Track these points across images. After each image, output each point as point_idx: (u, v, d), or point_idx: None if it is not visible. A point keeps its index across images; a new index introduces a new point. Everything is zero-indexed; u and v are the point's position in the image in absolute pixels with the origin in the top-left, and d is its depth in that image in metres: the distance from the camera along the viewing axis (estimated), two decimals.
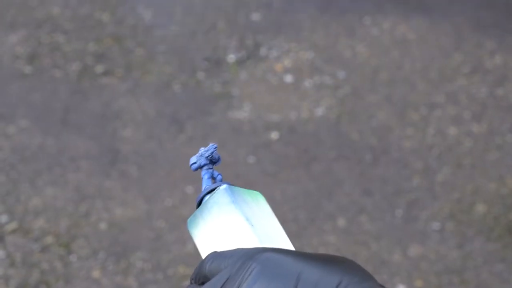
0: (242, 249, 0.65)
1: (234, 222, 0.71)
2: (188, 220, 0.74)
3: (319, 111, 2.94)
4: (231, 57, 3.20)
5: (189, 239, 2.55)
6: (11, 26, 3.37)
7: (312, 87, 3.06)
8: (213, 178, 0.77)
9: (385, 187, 2.66)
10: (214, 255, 0.67)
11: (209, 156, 0.76)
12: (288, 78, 3.11)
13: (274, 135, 2.84)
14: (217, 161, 0.77)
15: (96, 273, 2.41)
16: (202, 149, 0.78)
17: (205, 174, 0.76)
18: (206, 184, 0.76)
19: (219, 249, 0.71)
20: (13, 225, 2.55)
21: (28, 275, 2.39)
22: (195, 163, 0.76)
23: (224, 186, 0.72)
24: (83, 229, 2.55)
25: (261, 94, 3.02)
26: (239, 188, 0.73)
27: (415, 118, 2.93)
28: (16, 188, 2.66)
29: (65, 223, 2.57)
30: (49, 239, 2.51)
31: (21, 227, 2.54)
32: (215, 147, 0.78)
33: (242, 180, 2.69)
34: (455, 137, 2.86)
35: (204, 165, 0.77)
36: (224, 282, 0.63)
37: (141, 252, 2.49)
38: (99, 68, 3.15)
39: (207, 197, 0.74)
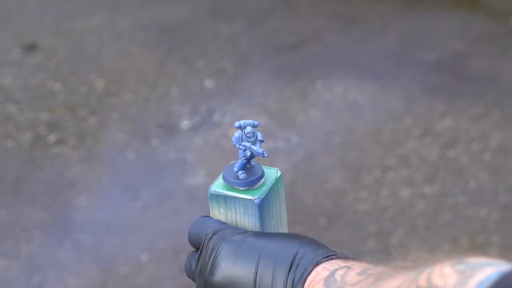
0: (222, 230, 0.80)
1: (250, 227, 0.82)
2: (212, 190, 0.83)
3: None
4: (185, 124, 3.21)
5: None
6: None
7: (266, 151, 3.07)
8: (249, 158, 0.83)
9: (341, 250, 2.66)
10: (198, 222, 0.82)
11: (255, 152, 0.81)
12: None
13: None
14: (258, 155, 0.84)
15: None
16: (249, 129, 0.81)
17: (243, 159, 0.83)
18: (240, 167, 0.83)
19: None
20: None
21: None
22: (240, 145, 0.81)
23: (257, 201, 0.80)
24: None
25: (215, 160, 3.03)
26: (267, 192, 0.82)
27: (368, 181, 2.95)
28: None
29: None
30: None
31: None
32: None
33: None
34: (408, 199, 2.88)
35: (245, 153, 0.83)
36: (199, 255, 0.79)
37: None
38: (52, 137, 3.14)
39: (241, 189, 0.81)
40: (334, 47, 3.65)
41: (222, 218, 0.82)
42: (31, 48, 3.59)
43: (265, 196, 0.81)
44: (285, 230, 0.84)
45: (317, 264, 0.75)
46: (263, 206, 0.80)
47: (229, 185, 0.82)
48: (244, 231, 0.79)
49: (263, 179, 0.83)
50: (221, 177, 0.83)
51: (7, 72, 3.47)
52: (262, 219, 0.80)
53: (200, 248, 0.80)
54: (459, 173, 2.99)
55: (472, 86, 3.39)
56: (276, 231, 0.82)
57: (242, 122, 0.83)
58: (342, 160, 3.04)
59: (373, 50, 3.63)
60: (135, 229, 2.75)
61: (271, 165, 3.04)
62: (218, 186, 0.83)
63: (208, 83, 3.44)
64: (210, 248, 0.78)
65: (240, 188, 0.81)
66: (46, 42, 3.64)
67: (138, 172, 2.98)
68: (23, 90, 3.38)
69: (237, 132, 0.82)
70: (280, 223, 0.83)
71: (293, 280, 0.74)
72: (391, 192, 2.91)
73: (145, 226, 2.76)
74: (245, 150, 0.82)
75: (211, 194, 0.82)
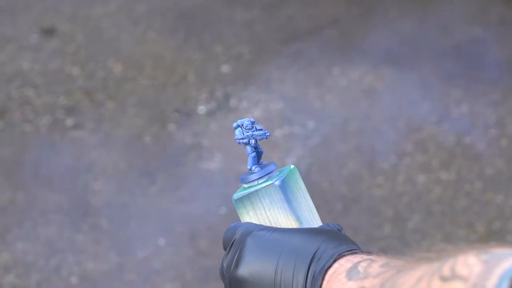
0: (249, 227, 0.81)
1: (285, 218, 0.81)
2: (235, 197, 0.83)
3: (290, 161, 2.96)
4: (202, 109, 3.22)
5: None
6: None
7: (282, 137, 3.08)
8: (257, 152, 0.83)
9: (357, 236, 2.67)
10: (230, 228, 0.83)
11: (257, 135, 0.81)
12: None
13: None
14: (262, 137, 0.83)
15: None
16: (246, 122, 0.81)
17: (252, 152, 0.81)
18: (252, 162, 0.82)
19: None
20: None
21: None
22: (242, 139, 0.81)
23: (278, 182, 0.80)
24: (54, 284, 2.53)
25: (231, 145, 3.04)
26: (285, 176, 0.82)
27: (384, 166, 2.96)
28: None
29: (35, 278, 2.55)
30: None
31: None
32: (262, 129, 0.84)
33: (214, 232, 2.69)
34: (425, 185, 2.89)
35: (250, 142, 0.82)
36: (227, 252, 0.80)
37: None
38: (70, 122, 3.16)
39: (260, 181, 0.81)
40: (351, 33, 3.64)
41: (253, 221, 0.83)
42: (49, 33, 3.61)
43: (284, 179, 0.81)
44: (319, 222, 0.84)
45: (340, 256, 0.76)
46: (285, 188, 0.81)
47: (247, 183, 0.83)
48: (270, 228, 0.81)
49: (276, 168, 0.84)
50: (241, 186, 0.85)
51: (26, 57, 3.50)
52: (289, 202, 0.80)
53: (229, 246, 0.81)
54: (475, 160, 2.98)
55: (489, 72, 3.38)
56: (311, 221, 0.83)
57: (238, 121, 0.85)
58: (358, 146, 3.04)
59: (390, 36, 3.62)
60: (151, 213, 2.76)
61: (287, 149, 3.02)
62: (238, 191, 0.84)
63: (225, 69, 3.45)
64: (237, 243, 0.80)
65: (259, 182, 0.82)
66: (64, 27, 3.65)
67: (154, 157, 3.00)
68: (41, 75, 3.40)
69: (237, 130, 0.84)
70: (312, 216, 0.83)
71: (314, 272, 0.75)
72: (407, 178, 2.91)
73: (162, 210, 2.77)
74: (249, 140, 0.83)
75: (235, 200, 0.83)
